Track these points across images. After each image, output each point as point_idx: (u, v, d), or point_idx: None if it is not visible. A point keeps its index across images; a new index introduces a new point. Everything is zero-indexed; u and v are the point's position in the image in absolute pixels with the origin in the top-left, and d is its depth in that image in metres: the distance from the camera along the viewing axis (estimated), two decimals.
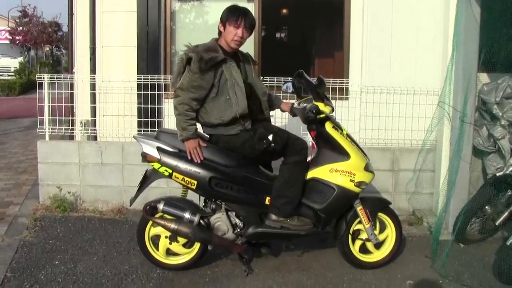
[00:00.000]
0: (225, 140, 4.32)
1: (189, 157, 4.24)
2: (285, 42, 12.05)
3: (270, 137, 4.24)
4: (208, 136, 4.42)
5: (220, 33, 4.37)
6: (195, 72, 4.11)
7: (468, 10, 5.25)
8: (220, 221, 4.40)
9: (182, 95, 4.15)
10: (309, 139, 4.70)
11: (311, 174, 4.45)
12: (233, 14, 4.28)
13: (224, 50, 4.29)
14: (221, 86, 4.21)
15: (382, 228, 4.73)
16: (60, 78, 6.32)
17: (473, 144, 5.58)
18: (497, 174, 5.17)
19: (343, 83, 6.08)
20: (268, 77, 5.95)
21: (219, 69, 4.20)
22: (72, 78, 6.37)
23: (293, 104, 4.72)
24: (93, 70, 6.28)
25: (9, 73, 27.07)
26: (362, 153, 4.58)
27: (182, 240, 4.43)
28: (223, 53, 4.25)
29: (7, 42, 31.39)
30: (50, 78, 6.10)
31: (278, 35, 12.09)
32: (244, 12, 4.32)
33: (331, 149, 4.45)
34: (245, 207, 4.39)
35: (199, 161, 4.24)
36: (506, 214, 5.00)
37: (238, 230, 4.41)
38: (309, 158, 4.53)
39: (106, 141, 6.20)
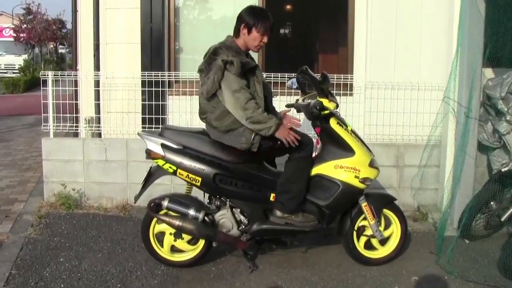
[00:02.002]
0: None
1: (288, 146, 4.19)
2: (289, 38, 12.02)
3: None
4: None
5: (238, 33, 4.32)
6: (238, 75, 4.08)
7: (472, 5, 5.22)
8: (225, 217, 4.40)
9: (242, 95, 4.06)
10: (314, 135, 4.69)
11: (316, 170, 4.44)
12: (261, 21, 4.26)
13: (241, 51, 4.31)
14: None
15: (387, 224, 4.72)
16: (64, 75, 6.32)
17: (478, 140, 5.56)
18: (502, 170, 5.15)
19: (348, 79, 6.07)
20: (272, 73, 5.94)
21: (246, 76, 4.19)
22: (76, 75, 6.36)
23: (297, 100, 4.71)
24: (97, 67, 6.27)
25: (14, 71, 27.15)
26: (367, 149, 4.56)
27: (186, 237, 4.43)
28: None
29: (12, 39, 31.41)
30: (54, 75, 6.11)
31: (282, 31, 12.06)
32: (270, 18, 4.32)
33: (335, 145, 4.44)
34: (250, 203, 4.38)
35: (297, 144, 4.20)
36: (511, 210, 4.99)
37: (243, 226, 4.41)
38: (313, 154, 4.52)
39: (110, 138, 6.20)
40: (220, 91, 4.14)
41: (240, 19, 4.32)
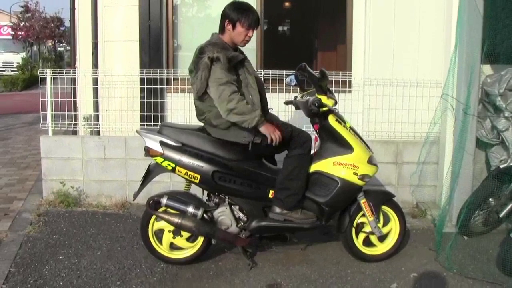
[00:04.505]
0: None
1: (271, 143, 4.17)
2: (288, 35, 12.03)
3: None
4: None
5: (223, 29, 4.34)
6: (225, 69, 4.07)
7: (471, 1, 5.22)
8: (224, 215, 4.40)
9: (227, 87, 4.05)
10: (313, 132, 4.69)
11: (315, 167, 4.44)
12: (245, 15, 4.24)
13: (229, 47, 4.30)
14: (238, 85, 4.20)
15: (386, 221, 4.73)
16: (63, 73, 6.31)
17: (477, 136, 5.57)
18: (501, 166, 5.16)
19: (346, 75, 6.07)
20: (271, 70, 5.94)
21: (237, 69, 4.21)
22: (75, 73, 6.36)
23: (296, 97, 4.72)
24: (95, 64, 6.27)
25: (12, 69, 27.12)
26: (366, 146, 4.57)
27: (185, 234, 4.44)
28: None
29: (10, 37, 31.36)
30: (52, 73, 6.10)
31: (280, 28, 12.07)
32: (253, 12, 4.31)
33: (334, 142, 4.44)
34: (249, 200, 4.39)
35: (278, 142, 4.19)
36: (509, 206, 5.01)
37: (242, 223, 4.41)
38: (312, 151, 4.52)
39: (109, 135, 6.20)
40: (209, 88, 4.14)
41: (224, 15, 4.32)
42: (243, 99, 4.11)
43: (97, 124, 6.29)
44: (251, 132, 4.19)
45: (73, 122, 6.36)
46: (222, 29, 4.35)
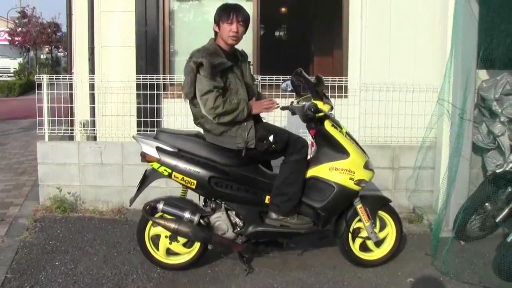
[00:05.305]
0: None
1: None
2: (284, 41, 12.04)
3: (271, 138, 4.24)
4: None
5: (216, 34, 4.37)
6: (209, 76, 4.07)
7: (466, 7, 5.24)
8: (220, 220, 4.40)
9: (209, 96, 4.06)
10: (309, 137, 4.69)
11: (311, 172, 4.45)
12: (224, 11, 4.29)
13: (224, 51, 4.30)
14: (227, 92, 4.20)
15: (382, 226, 4.73)
16: (59, 78, 6.31)
17: (473, 141, 5.58)
18: (497, 171, 5.16)
19: (342, 81, 6.08)
20: (267, 76, 5.94)
21: (226, 75, 4.20)
22: (71, 79, 6.36)
23: (292, 102, 4.72)
24: (92, 70, 6.27)
25: (9, 74, 27.07)
26: (362, 151, 4.57)
27: (182, 240, 4.43)
28: (224, 55, 4.26)
29: (6, 43, 31.37)
30: (49, 78, 6.10)
31: (276, 33, 12.07)
32: (235, 7, 4.34)
33: (330, 147, 4.45)
34: (245, 206, 4.39)
35: (276, 105, 4.39)
36: (506, 211, 5.00)
37: (238, 229, 4.41)
38: (308, 157, 4.52)
39: (105, 141, 6.20)
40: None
41: (213, 21, 4.39)
42: (225, 98, 4.14)
43: (94, 130, 6.29)
44: (244, 138, 4.20)
45: (69, 128, 6.36)
46: (215, 34, 4.40)
